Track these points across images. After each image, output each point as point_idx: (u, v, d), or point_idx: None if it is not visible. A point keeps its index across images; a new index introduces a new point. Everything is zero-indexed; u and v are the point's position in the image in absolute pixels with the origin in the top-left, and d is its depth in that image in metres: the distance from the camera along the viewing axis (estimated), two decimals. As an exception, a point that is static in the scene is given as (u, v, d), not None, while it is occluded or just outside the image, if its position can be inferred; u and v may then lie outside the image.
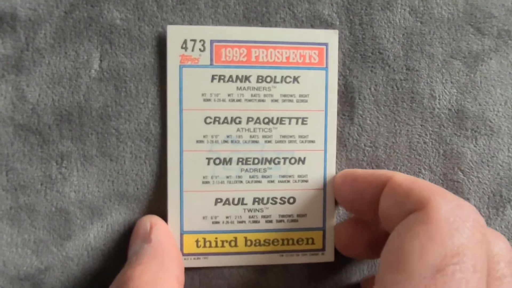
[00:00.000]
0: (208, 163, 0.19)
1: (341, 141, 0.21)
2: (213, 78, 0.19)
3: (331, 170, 0.21)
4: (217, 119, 0.19)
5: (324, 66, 0.20)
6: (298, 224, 0.21)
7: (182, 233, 0.20)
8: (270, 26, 0.20)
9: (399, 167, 0.22)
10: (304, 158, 0.20)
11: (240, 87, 0.20)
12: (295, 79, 0.20)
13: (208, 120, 0.19)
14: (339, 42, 0.21)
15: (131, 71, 0.20)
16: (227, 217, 0.20)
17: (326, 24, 0.21)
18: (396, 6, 0.22)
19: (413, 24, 0.22)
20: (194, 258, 0.20)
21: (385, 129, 0.22)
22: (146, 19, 0.20)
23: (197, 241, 0.20)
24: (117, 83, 0.20)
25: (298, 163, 0.20)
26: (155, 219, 0.19)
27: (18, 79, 0.19)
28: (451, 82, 0.22)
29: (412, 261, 0.13)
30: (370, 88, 0.22)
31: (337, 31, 0.20)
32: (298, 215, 0.21)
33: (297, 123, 0.20)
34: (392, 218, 0.15)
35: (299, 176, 0.20)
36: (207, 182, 0.20)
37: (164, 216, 0.20)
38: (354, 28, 0.21)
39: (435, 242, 0.13)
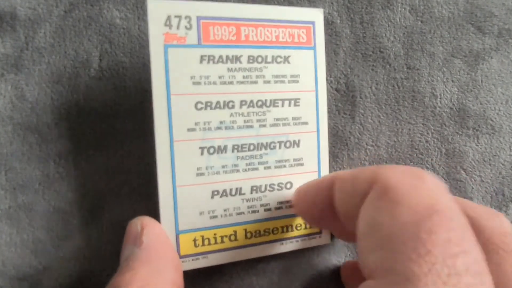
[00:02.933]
0: (202, 153, 0.18)
1: (343, 140, 0.21)
2: (202, 59, 0.18)
3: (324, 152, 0.20)
4: (209, 104, 0.18)
5: (312, 45, 0.20)
6: (293, 210, 0.20)
7: (177, 233, 0.18)
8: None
9: (400, 166, 0.22)
10: (299, 140, 0.20)
11: (231, 68, 0.18)
12: (286, 59, 0.19)
13: (199, 106, 0.18)
14: (340, 40, 0.21)
15: (130, 70, 0.20)
16: (225, 210, 0.19)
17: (326, 22, 0.21)
18: (396, 5, 0.22)
19: (413, 23, 0.22)
20: (192, 260, 0.18)
21: (386, 128, 0.22)
22: (146, 18, 0.20)
23: (194, 240, 0.18)
24: (116, 82, 0.19)
25: (293, 147, 0.19)
26: (147, 220, 0.17)
27: (18, 78, 0.19)
28: (452, 81, 0.22)
29: (386, 229, 0.12)
30: (371, 87, 0.21)
31: (322, 10, 0.20)
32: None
33: (289, 104, 0.19)
34: (350, 211, 0.15)
35: (295, 159, 0.20)
36: (201, 174, 0.18)
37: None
38: (354, 26, 0.21)
39: (402, 206, 0.12)
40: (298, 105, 0.19)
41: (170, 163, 0.18)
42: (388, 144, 0.22)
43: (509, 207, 0.22)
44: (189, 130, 0.18)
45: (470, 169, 0.22)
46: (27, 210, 0.19)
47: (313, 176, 0.20)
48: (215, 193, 0.18)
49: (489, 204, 0.22)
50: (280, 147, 0.19)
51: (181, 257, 0.18)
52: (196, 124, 0.18)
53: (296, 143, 0.19)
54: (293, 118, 0.19)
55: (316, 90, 0.20)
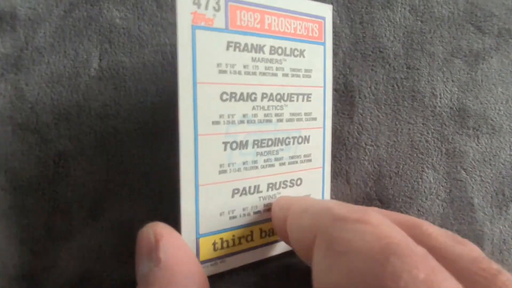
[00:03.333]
0: (225, 149, 0.16)
1: (341, 140, 0.21)
2: (228, 45, 0.16)
3: (329, 148, 0.20)
4: (234, 95, 0.16)
5: (323, 41, 0.19)
6: None
7: (198, 237, 0.16)
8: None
9: (401, 166, 0.22)
10: (309, 136, 0.19)
11: (255, 58, 0.17)
12: (301, 52, 0.18)
13: (224, 97, 0.16)
14: (340, 40, 0.21)
15: (130, 70, 0.20)
16: (244, 209, 0.17)
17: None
18: (396, 5, 0.22)
19: (413, 23, 0.22)
20: (211, 265, 0.17)
21: (386, 127, 0.22)
22: (146, 18, 0.20)
23: (214, 244, 0.17)
24: (116, 82, 0.19)
25: (304, 143, 0.19)
26: (160, 228, 0.15)
27: (17, 78, 0.19)
28: (452, 80, 0.22)
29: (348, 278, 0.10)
30: (370, 87, 0.21)
31: (331, 6, 0.20)
32: (305, 196, 0.19)
33: (303, 100, 0.19)
34: (301, 254, 0.14)
35: (305, 155, 0.19)
36: (223, 172, 0.17)
37: (167, 217, 0.19)
38: (354, 26, 0.21)
39: (353, 256, 0.11)
40: (310, 101, 0.19)
41: (193, 160, 0.16)
42: (387, 144, 0.22)
43: (509, 207, 0.22)
44: (213, 123, 0.16)
45: (470, 169, 0.22)
46: (27, 210, 0.19)
47: (319, 172, 0.20)
48: (235, 191, 0.17)
49: (490, 204, 0.22)
50: (293, 143, 0.18)
51: (200, 263, 0.17)
52: (220, 116, 0.16)
53: (307, 139, 0.19)
54: (305, 114, 0.19)
55: (324, 86, 0.19)
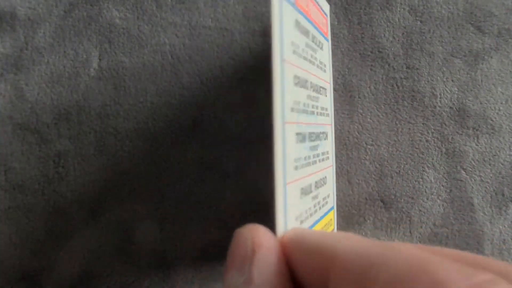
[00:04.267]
0: (296, 141, 0.14)
1: (341, 140, 0.21)
2: (296, 24, 0.14)
3: (333, 144, 0.19)
4: (299, 80, 0.14)
5: (328, 37, 0.19)
6: (327, 206, 0.17)
7: None
8: (269, 25, 0.20)
9: (402, 165, 0.22)
10: (327, 133, 0.18)
11: (307, 44, 0.15)
12: (322, 46, 0.17)
13: (295, 80, 0.13)
14: (338, 41, 0.21)
15: (130, 70, 0.20)
16: (306, 212, 0.14)
17: (325, 23, 0.21)
18: (395, 5, 0.22)
19: (412, 23, 0.22)
20: None
21: (386, 127, 0.22)
22: (146, 18, 0.20)
23: None
24: (116, 82, 0.19)
25: (326, 139, 0.17)
26: (261, 237, 0.11)
27: (17, 78, 0.19)
28: (452, 80, 0.22)
29: None
30: (369, 87, 0.21)
31: (328, 6, 0.19)
32: (328, 196, 0.17)
33: (324, 94, 0.17)
34: None
35: (328, 153, 0.17)
36: (296, 168, 0.13)
37: (166, 217, 0.19)
38: (352, 27, 0.21)
39: None
40: (326, 96, 0.18)
41: (282, 152, 0.12)
42: (388, 143, 0.22)
43: (508, 207, 0.22)
44: (292, 110, 0.13)
45: (470, 169, 0.22)
46: (27, 210, 0.19)
47: (332, 170, 0.18)
48: (302, 191, 0.14)
49: (489, 204, 0.22)
50: (323, 139, 0.17)
51: None
52: (294, 103, 0.13)
53: (327, 136, 0.18)
54: (325, 109, 0.17)
55: (331, 83, 0.19)
